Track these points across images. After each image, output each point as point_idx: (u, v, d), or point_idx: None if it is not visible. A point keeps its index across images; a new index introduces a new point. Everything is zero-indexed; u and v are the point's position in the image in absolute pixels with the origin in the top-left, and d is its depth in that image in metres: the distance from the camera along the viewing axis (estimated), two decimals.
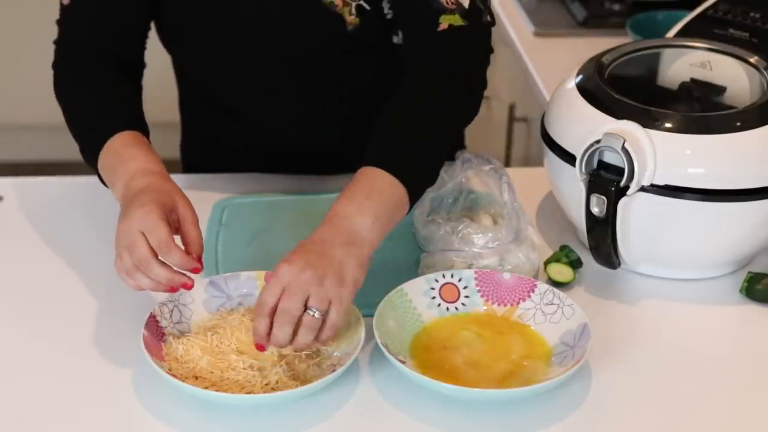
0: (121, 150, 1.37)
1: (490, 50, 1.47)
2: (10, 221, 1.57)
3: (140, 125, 1.42)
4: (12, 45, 3.37)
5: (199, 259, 1.28)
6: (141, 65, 1.56)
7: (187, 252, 1.27)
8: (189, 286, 1.27)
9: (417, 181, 1.31)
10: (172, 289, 1.27)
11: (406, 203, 1.30)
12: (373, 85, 1.58)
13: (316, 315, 1.21)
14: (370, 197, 1.27)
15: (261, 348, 1.24)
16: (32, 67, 3.38)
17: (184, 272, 1.26)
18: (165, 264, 1.25)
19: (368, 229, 1.26)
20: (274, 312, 1.21)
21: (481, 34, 1.44)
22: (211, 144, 1.73)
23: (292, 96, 1.60)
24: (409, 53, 1.44)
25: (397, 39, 1.53)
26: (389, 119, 1.34)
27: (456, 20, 1.40)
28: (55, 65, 1.52)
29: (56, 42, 1.53)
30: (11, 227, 1.56)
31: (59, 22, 1.53)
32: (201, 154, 1.78)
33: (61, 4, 1.51)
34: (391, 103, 1.36)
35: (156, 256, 1.24)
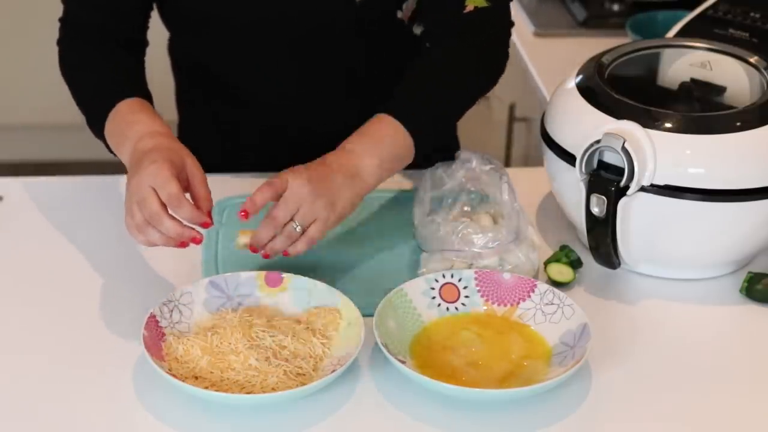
0: (127, 115, 1.40)
1: (512, 24, 1.55)
2: (10, 221, 1.57)
3: (144, 93, 1.46)
4: (12, 45, 3.37)
5: (209, 215, 1.30)
6: (143, 44, 1.57)
7: (197, 208, 1.30)
8: (198, 240, 1.29)
9: (426, 137, 1.41)
10: (182, 244, 1.29)
11: (411, 155, 1.41)
12: (373, 66, 1.59)
13: (297, 229, 1.32)
14: (381, 142, 1.38)
15: (255, 251, 1.33)
16: (32, 67, 3.38)
17: (194, 227, 1.29)
18: (175, 218, 1.27)
19: (371, 172, 1.37)
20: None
21: (504, 12, 1.53)
22: (210, 132, 1.72)
23: (293, 76, 1.60)
24: (434, 34, 1.50)
25: (400, 14, 1.53)
26: (414, 75, 1.44)
27: (480, 2, 1.47)
28: (60, 42, 1.56)
29: (61, 20, 1.56)
30: (11, 227, 1.56)
31: (63, 0, 1.56)
32: (199, 145, 1.76)
33: None
34: (416, 62, 1.45)
35: (166, 210, 1.27)
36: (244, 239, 1.36)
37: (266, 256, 1.35)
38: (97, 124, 1.44)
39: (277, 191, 1.32)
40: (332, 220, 1.34)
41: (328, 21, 1.53)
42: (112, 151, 1.44)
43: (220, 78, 1.64)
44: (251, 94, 1.63)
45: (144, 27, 1.57)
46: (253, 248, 1.34)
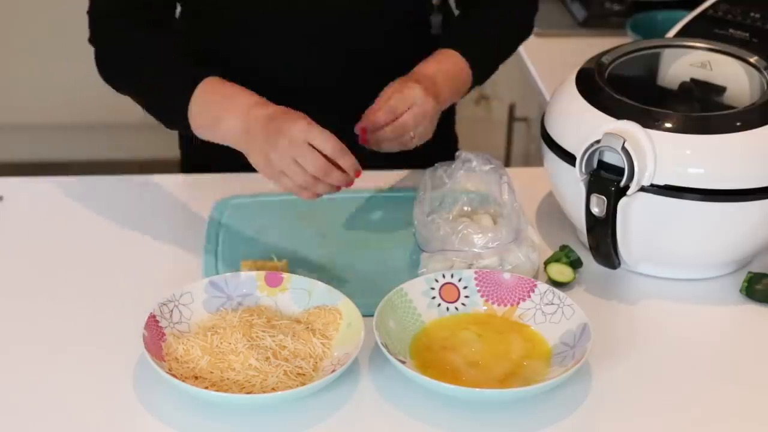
0: (217, 92, 1.41)
1: None
2: (10, 221, 1.57)
3: (207, 69, 1.46)
4: (12, 45, 3.37)
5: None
6: (172, 24, 1.60)
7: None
8: (359, 174, 1.38)
9: (483, 72, 1.60)
10: (350, 184, 1.37)
11: (468, 88, 1.59)
12: (391, 61, 1.60)
13: (415, 141, 1.47)
14: (456, 80, 1.55)
15: (363, 134, 1.44)
16: (33, 67, 3.39)
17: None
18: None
19: (446, 98, 1.53)
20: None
21: None
22: None
23: (313, 65, 1.61)
24: (469, 4, 1.65)
25: None
26: (473, 21, 1.61)
27: None
28: (97, 38, 1.53)
29: (90, 14, 1.54)
30: (11, 227, 1.56)
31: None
32: (203, 143, 1.76)
33: None
34: (471, 14, 1.62)
35: (330, 161, 1.33)
36: (245, 269, 1.39)
37: (364, 141, 1.45)
38: (177, 108, 1.43)
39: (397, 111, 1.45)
40: (430, 135, 1.50)
41: (356, 9, 1.57)
42: (189, 133, 1.44)
43: (237, 70, 1.62)
44: (269, 85, 1.61)
45: (173, 10, 1.58)
46: (364, 130, 1.44)
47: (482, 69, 1.60)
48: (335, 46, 1.61)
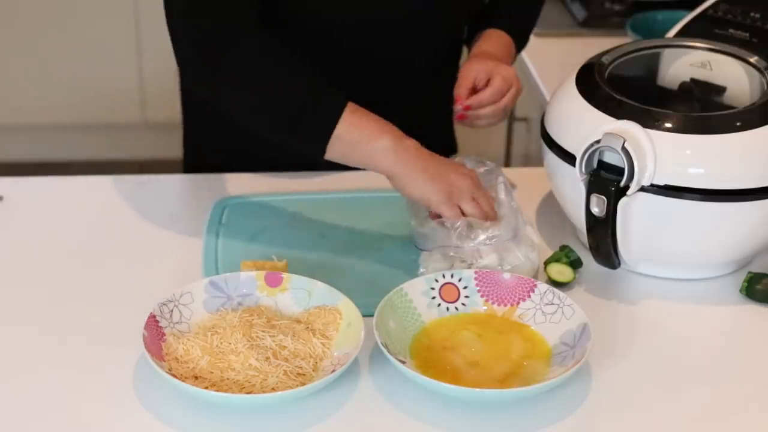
0: (365, 113, 1.42)
1: None
2: (10, 221, 1.57)
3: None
4: (12, 45, 3.37)
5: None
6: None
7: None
8: None
9: (521, 48, 1.73)
10: None
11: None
12: (432, 62, 1.65)
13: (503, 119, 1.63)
14: (510, 54, 1.68)
15: (467, 109, 1.56)
16: (33, 67, 3.39)
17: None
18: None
19: None
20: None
21: None
22: (217, 131, 1.70)
23: (368, 66, 1.61)
24: None
25: None
26: (506, 5, 1.71)
27: None
28: (205, 52, 1.42)
29: (188, 19, 1.42)
30: (11, 227, 1.56)
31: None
32: (203, 143, 1.75)
33: None
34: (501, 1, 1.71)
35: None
36: (245, 269, 1.39)
37: (463, 117, 1.57)
38: (322, 127, 1.39)
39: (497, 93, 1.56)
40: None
41: (421, 10, 1.59)
42: (320, 153, 1.41)
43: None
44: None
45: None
46: (468, 107, 1.55)
47: (522, 42, 1.74)
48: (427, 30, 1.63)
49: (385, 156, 1.40)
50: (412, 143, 1.41)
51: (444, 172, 1.42)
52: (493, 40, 1.66)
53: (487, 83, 1.57)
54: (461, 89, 1.57)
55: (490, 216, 1.43)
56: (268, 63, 1.42)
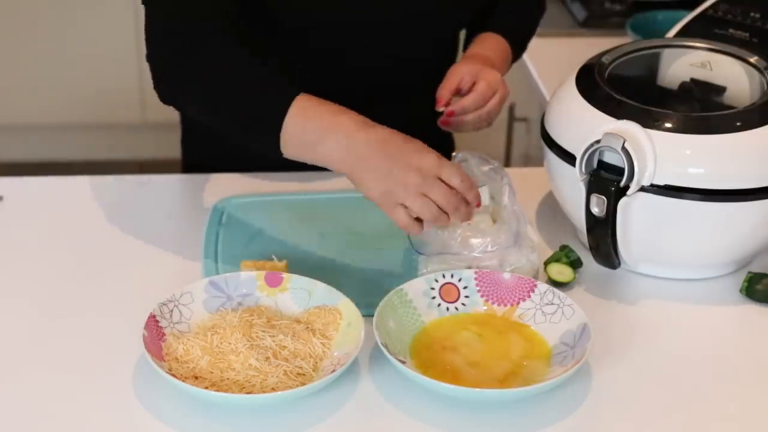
0: (318, 107, 1.32)
1: None
2: (11, 221, 1.57)
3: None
4: (12, 45, 3.37)
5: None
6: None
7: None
8: (479, 206, 1.36)
9: (519, 53, 1.70)
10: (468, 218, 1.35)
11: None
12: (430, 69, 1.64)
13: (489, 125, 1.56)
14: (506, 59, 1.64)
15: (451, 115, 1.51)
16: (32, 67, 3.39)
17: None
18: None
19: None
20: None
21: None
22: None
23: (366, 73, 1.61)
24: None
25: None
26: (505, 10, 1.67)
27: None
28: (173, 48, 1.39)
29: (158, 19, 1.41)
30: (11, 227, 1.56)
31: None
32: (201, 143, 1.75)
33: None
34: (502, 3, 1.68)
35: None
36: (245, 269, 1.39)
37: (445, 123, 1.52)
38: (269, 126, 1.32)
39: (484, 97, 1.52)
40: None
41: (427, 21, 1.58)
42: (274, 154, 1.34)
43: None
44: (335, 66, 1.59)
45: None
46: (452, 113, 1.50)
47: (519, 50, 1.69)
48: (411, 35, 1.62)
49: (340, 160, 1.30)
50: (362, 137, 1.29)
51: (389, 167, 1.28)
52: (489, 43, 1.63)
53: (472, 87, 1.53)
54: (444, 90, 1.53)
55: (445, 217, 1.30)
56: (230, 63, 1.37)
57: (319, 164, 1.33)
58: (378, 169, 1.29)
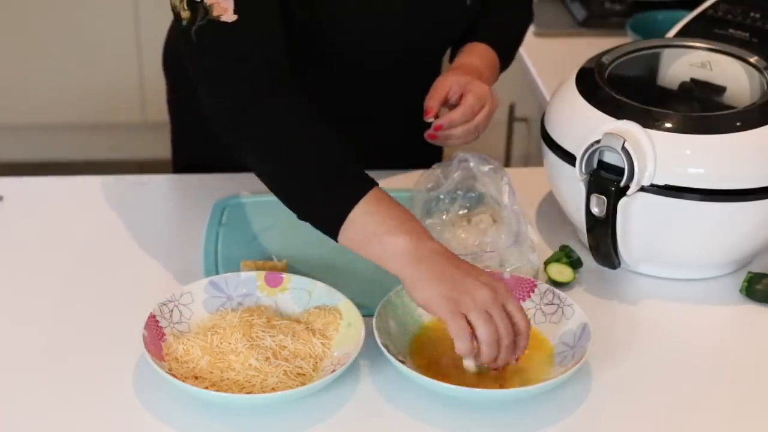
0: (387, 204, 1.28)
1: None
2: (11, 221, 1.57)
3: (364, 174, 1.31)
4: (12, 45, 3.37)
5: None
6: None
7: None
8: (518, 362, 1.26)
9: (507, 63, 1.66)
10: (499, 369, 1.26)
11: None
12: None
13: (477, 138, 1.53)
14: (494, 69, 1.61)
15: (438, 129, 1.48)
16: (33, 67, 3.39)
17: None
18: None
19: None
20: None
21: None
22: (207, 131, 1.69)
23: (371, 81, 1.60)
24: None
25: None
26: (493, 19, 1.65)
27: None
28: (233, 101, 1.33)
29: (209, 73, 1.34)
30: (11, 227, 1.56)
31: (201, 48, 1.33)
32: (194, 144, 1.75)
33: (214, 22, 1.31)
34: (491, 12, 1.65)
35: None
36: (245, 269, 1.39)
37: (433, 137, 1.49)
38: (335, 213, 1.28)
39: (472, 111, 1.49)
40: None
41: (440, 29, 1.58)
42: (330, 233, 1.29)
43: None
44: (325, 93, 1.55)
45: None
46: (440, 126, 1.47)
47: (508, 59, 1.66)
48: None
49: (403, 256, 1.24)
50: (429, 246, 1.24)
51: (459, 277, 1.22)
52: (477, 53, 1.59)
53: (461, 99, 1.49)
54: (433, 101, 1.49)
55: (496, 347, 1.22)
56: (296, 127, 1.31)
57: (375, 255, 1.26)
58: (445, 273, 1.23)
